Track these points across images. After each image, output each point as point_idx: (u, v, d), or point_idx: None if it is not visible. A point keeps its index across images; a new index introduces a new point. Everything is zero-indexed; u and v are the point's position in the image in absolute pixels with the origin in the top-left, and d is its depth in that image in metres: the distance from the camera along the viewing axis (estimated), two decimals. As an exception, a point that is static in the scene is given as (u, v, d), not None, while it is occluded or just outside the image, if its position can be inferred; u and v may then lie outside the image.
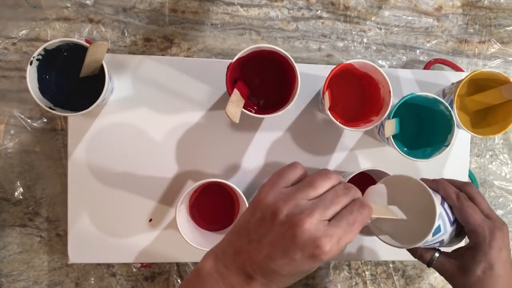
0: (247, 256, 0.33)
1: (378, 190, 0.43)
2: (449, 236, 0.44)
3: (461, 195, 0.44)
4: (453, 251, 0.46)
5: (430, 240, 0.42)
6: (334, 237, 0.31)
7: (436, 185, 0.45)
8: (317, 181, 0.34)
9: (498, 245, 0.42)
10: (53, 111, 0.48)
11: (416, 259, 0.48)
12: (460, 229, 0.45)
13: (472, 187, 0.46)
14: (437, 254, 0.45)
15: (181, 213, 0.51)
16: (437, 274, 0.66)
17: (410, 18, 0.64)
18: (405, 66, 0.64)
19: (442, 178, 0.48)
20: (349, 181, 0.57)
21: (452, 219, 0.43)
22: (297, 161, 0.37)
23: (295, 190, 0.34)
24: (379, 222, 0.44)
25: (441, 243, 0.44)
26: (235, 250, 0.34)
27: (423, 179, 0.46)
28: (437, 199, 0.42)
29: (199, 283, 0.34)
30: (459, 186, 0.46)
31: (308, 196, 0.33)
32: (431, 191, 0.41)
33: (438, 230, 0.42)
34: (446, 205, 0.43)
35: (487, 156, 0.67)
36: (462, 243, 0.48)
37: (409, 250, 0.47)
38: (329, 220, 0.32)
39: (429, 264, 0.46)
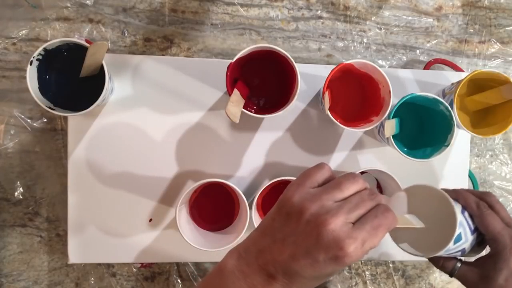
0: (270, 256, 0.33)
1: (399, 199, 0.43)
2: (470, 245, 0.44)
3: (481, 203, 0.44)
4: (475, 260, 0.46)
5: (451, 248, 0.42)
6: (359, 240, 0.31)
7: (456, 194, 0.45)
8: (345, 184, 0.34)
9: None
10: (53, 111, 0.48)
11: (438, 268, 0.48)
12: (481, 238, 0.45)
13: (491, 196, 0.46)
14: (459, 264, 0.45)
15: (181, 213, 0.51)
16: (437, 274, 0.66)
17: (410, 18, 0.64)
18: (405, 66, 0.64)
19: (462, 189, 0.48)
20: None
21: (472, 228, 0.43)
22: (324, 162, 0.37)
23: (322, 190, 0.34)
24: (399, 231, 0.44)
25: (463, 252, 0.44)
26: (259, 249, 0.34)
27: (445, 189, 0.47)
28: (457, 207, 0.42)
29: (221, 281, 0.34)
30: (478, 195, 0.46)
31: (335, 198, 0.33)
32: (451, 199, 0.42)
33: (459, 238, 0.42)
34: (466, 214, 0.44)
35: (487, 156, 0.67)
36: (483, 253, 0.48)
37: (430, 260, 0.47)
38: (354, 224, 0.32)
39: (451, 274, 0.46)
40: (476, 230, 0.44)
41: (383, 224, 0.33)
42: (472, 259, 0.46)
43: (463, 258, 0.47)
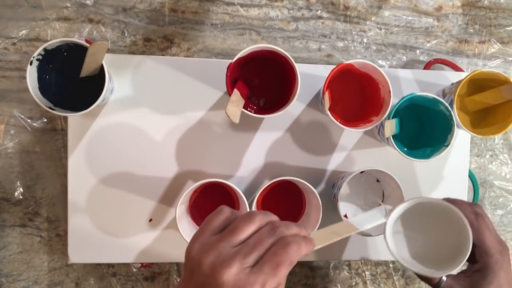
0: None
1: (378, 211, 0.43)
2: None
3: (479, 215, 0.44)
4: (461, 272, 0.46)
5: None
6: (257, 284, 0.30)
7: (454, 204, 0.45)
8: (239, 226, 0.33)
9: (507, 267, 0.43)
10: (53, 111, 0.48)
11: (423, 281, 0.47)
12: None
13: (481, 208, 0.46)
14: (444, 277, 0.45)
15: (181, 213, 0.51)
16: (437, 274, 0.66)
17: (410, 18, 0.64)
18: (405, 66, 0.64)
19: (455, 199, 0.47)
20: (349, 181, 0.57)
21: None
22: (223, 205, 0.36)
23: (219, 238, 0.33)
24: (403, 249, 0.43)
25: None
26: None
27: (444, 199, 0.46)
28: (466, 220, 0.42)
29: None
30: (471, 206, 0.46)
31: (232, 243, 0.32)
32: (463, 216, 0.41)
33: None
34: None
35: (487, 156, 0.67)
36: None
37: (416, 272, 0.46)
38: (254, 266, 0.31)
39: (437, 287, 0.45)
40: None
41: (284, 261, 0.31)
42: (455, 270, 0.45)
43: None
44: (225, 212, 0.35)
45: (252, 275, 0.30)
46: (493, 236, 0.44)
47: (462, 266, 0.44)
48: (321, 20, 0.62)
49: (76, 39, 0.47)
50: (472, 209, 0.45)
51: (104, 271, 0.60)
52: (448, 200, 0.46)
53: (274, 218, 0.35)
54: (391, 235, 0.41)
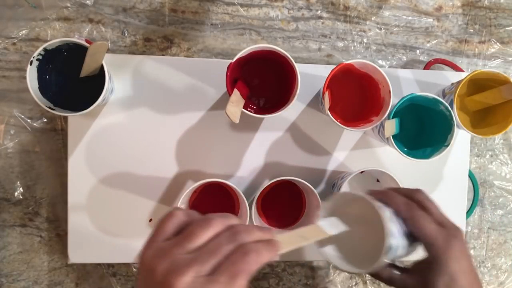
0: None
1: (328, 207, 0.41)
2: (403, 249, 0.40)
3: (411, 204, 0.40)
4: (412, 265, 0.42)
5: (388, 259, 0.38)
6: None
7: (384, 196, 0.42)
8: (195, 232, 0.31)
9: (455, 254, 0.39)
10: (53, 111, 0.48)
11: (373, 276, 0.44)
12: (413, 238, 0.41)
13: (421, 194, 0.42)
14: (396, 272, 0.42)
15: (181, 213, 0.51)
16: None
17: (410, 18, 0.64)
18: (405, 66, 0.64)
19: (390, 188, 0.44)
20: (349, 181, 0.57)
21: (403, 231, 0.40)
22: (177, 207, 0.33)
23: (172, 244, 0.31)
24: (331, 248, 0.41)
25: (397, 257, 0.40)
26: None
27: (372, 191, 0.43)
28: (386, 214, 0.39)
29: None
30: (407, 194, 0.42)
31: (187, 249, 0.30)
32: (381, 208, 0.38)
33: (390, 247, 0.38)
34: (396, 219, 0.40)
35: (487, 156, 0.67)
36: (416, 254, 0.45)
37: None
38: (210, 275, 0.29)
39: (388, 282, 0.42)
40: (409, 232, 0.40)
41: (243, 270, 0.29)
42: (408, 261, 0.42)
43: (399, 264, 0.43)
44: (178, 215, 0.33)
45: (207, 285, 0.29)
46: (431, 223, 0.39)
47: (406, 255, 0.42)
48: (321, 20, 0.62)
49: (76, 39, 0.47)
50: (404, 200, 0.41)
51: (104, 271, 0.60)
52: (379, 192, 0.43)
53: (235, 221, 0.33)
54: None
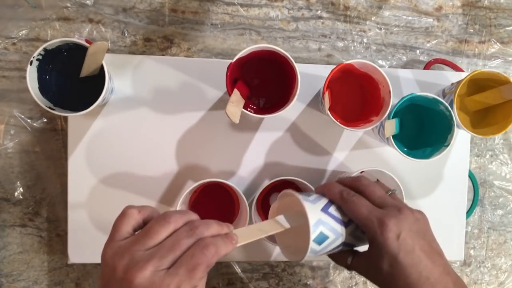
0: None
1: (277, 207, 0.44)
2: (351, 237, 0.41)
3: (344, 192, 0.40)
4: (365, 251, 0.42)
5: (320, 249, 0.39)
6: (172, 286, 0.30)
7: (322, 188, 0.43)
8: (154, 228, 0.32)
9: (393, 234, 0.37)
10: (53, 111, 0.48)
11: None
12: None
13: (361, 180, 0.42)
14: (350, 258, 0.42)
15: (181, 213, 0.51)
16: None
17: (410, 18, 0.64)
18: (405, 66, 0.64)
19: (332, 181, 0.44)
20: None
21: (345, 220, 0.40)
22: (130, 205, 0.35)
23: (131, 242, 0.32)
24: (282, 239, 0.44)
25: (347, 245, 0.41)
26: None
27: (317, 186, 0.44)
28: (317, 205, 0.40)
29: None
30: (348, 183, 0.42)
31: (146, 246, 0.31)
32: (303, 199, 0.39)
33: (323, 237, 0.39)
34: (333, 208, 0.41)
35: (487, 156, 0.67)
36: None
37: (329, 256, 0.44)
38: (169, 269, 0.31)
39: (348, 268, 0.42)
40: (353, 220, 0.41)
41: (201, 263, 0.31)
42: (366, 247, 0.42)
43: (359, 250, 0.43)
44: (132, 214, 0.34)
45: (167, 277, 0.30)
46: (364, 206, 0.39)
47: (361, 242, 0.42)
48: (321, 20, 0.62)
49: (76, 39, 0.47)
50: (339, 188, 0.41)
51: (104, 271, 0.60)
52: (321, 186, 0.43)
53: (193, 217, 0.34)
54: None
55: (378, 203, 0.40)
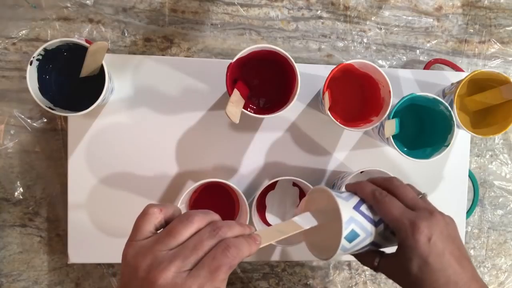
0: None
1: (300, 211, 0.43)
2: (380, 237, 0.41)
3: (377, 191, 0.40)
4: (394, 252, 0.41)
5: (350, 247, 0.39)
6: None
7: (354, 187, 0.42)
8: (177, 228, 0.32)
9: (424, 236, 0.37)
10: (53, 111, 0.48)
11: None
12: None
13: (392, 181, 0.42)
14: (378, 258, 0.42)
15: (181, 213, 0.51)
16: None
17: (410, 18, 0.64)
18: (405, 66, 0.64)
19: (364, 181, 0.44)
20: (349, 181, 0.57)
21: (375, 219, 0.40)
22: (151, 203, 0.34)
23: (154, 241, 0.32)
24: (309, 237, 0.43)
25: (375, 245, 0.41)
26: None
27: (347, 184, 0.44)
28: (350, 203, 0.40)
29: None
30: (379, 183, 0.42)
31: (169, 246, 0.31)
32: (336, 195, 0.39)
33: (354, 235, 0.39)
34: (364, 207, 0.41)
35: (487, 156, 0.67)
36: None
37: (355, 257, 0.44)
38: (192, 270, 0.30)
39: (375, 269, 0.42)
40: (383, 220, 0.41)
41: (223, 264, 0.30)
42: (394, 249, 0.42)
43: (386, 251, 0.43)
44: (154, 213, 0.33)
45: (189, 279, 0.30)
46: (397, 208, 0.39)
47: (389, 243, 0.42)
48: (321, 20, 0.62)
49: (76, 39, 0.47)
50: (372, 187, 0.41)
51: (104, 271, 0.60)
52: (352, 184, 0.43)
53: (216, 217, 0.34)
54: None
55: (410, 205, 0.40)
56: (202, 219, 0.33)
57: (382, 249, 0.43)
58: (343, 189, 0.53)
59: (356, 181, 0.44)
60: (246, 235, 0.34)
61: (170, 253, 0.31)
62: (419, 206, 0.40)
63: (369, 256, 0.42)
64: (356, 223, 0.39)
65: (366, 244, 0.40)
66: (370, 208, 0.41)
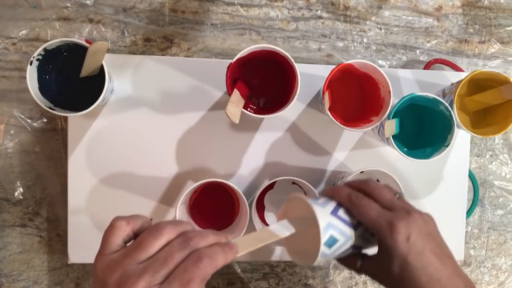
0: None
1: (282, 212, 0.42)
2: (360, 239, 0.40)
3: (353, 195, 0.40)
4: (376, 253, 0.41)
5: (330, 252, 0.39)
6: None
7: (331, 191, 0.42)
8: (146, 241, 0.31)
9: (403, 236, 0.37)
10: (53, 111, 0.48)
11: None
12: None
13: (369, 184, 0.42)
14: (359, 261, 0.41)
15: (181, 213, 0.51)
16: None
17: (410, 18, 0.64)
18: (405, 66, 0.64)
19: (340, 185, 0.44)
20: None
21: (354, 222, 0.40)
22: (119, 216, 0.33)
23: (123, 255, 0.31)
24: (290, 244, 0.42)
25: (356, 248, 0.41)
26: None
27: (324, 189, 0.43)
28: (326, 209, 0.40)
29: None
30: (356, 186, 0.42)
31: (138, 260, 0.30)
32: (312, 202, 0.39)
33: (333, 240, 0.38)
34: (342, 211, 0.40)
35: (487, 156, 0.67)
36: None
37: (338, 260, 0.44)
38: (163, 283, 0.29)
39: (358, 271, 0.42)
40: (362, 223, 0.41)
41: (195, 276, 0.29)
42: (375, 250, 0.41)
43: (368, 252, 0.43)
44: (120, 226, 0.32)
45: None
46: (373, 209, 0.39)
47: (370, 244, 0.42)
48: (321, 20, 0.62)
49: (76, 39, 0.47)
50: (348, 191, 0.41)
51: (104, 271, 0.60)
52: (329, 189, 0.43)
53: (188, 227, 0.33)
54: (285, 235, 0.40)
55: (387, 206, 0.40)
56: (172, 230, 0.32)
57: (364, 251, 0.42)
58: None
59: (332, 186, 0.44)
60: (222, 244, 0.33)
61: (139, 267, 0.30)
62: (396, 206, 0.39)
63: (350, 260, 0.42)
64: (334, 228, 0.39)
65: (347, 248, 0.40)
66: (348, 212, 0.40)
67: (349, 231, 0.40)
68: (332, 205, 0.41)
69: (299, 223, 0.40)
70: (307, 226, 0.39)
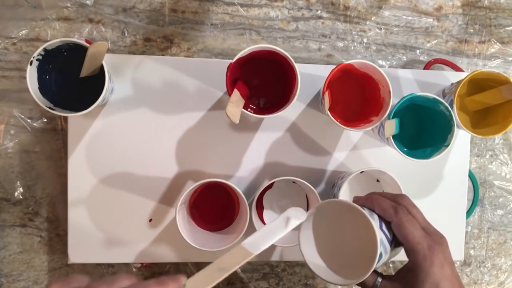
0: None
1: (306, 223, 0.39)
2: (387, 255, 0.40)
3: (399, 209, 0.40)
4: (396, 273, 0.42)
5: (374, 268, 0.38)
6: None
7: (370, 202, 0.42)
8: None
9: (439, 261, 0.38)
10: (53, 111, 0.48)
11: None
12: (396, 242, 0.41)
13: (406, 199, 0.42)
14: (379, 279, 0.41)
15: (181, 213, 0.51)
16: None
17: (410, 18, 0.64)
18: (405, 66, 0.64)
19: (374, 192, 0.44)
20: (349, 181, 0.57)
21: (390, 237, 0.39)
22: (55, 279, 0.33)
23: None
24: (316, 259, 0.39)
25: (380, 263, 0.40)
26: None
27: (356, 197, 0.42)
28: (375, 222, 0.38)
29: None
30: (392, 199, 0.42)
31: None
32: (368, 214, 0.37)
33: (379, 258, 0.37)
34: (384, 226, 0.39)
35: (487, 156, 0.67)
36: (400, 257, 0.45)
37: None
38: None
39: None
40: (394, 237, 0.40)
41: None
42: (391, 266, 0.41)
43: (381, 271, 0.42)
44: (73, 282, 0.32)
45: None
46: (418, 229, 0.39)
47: (388, 260, 0.41)
48: (321, 20, 0.62)
49: (76, 39, 0.47)
50: (391, 203, 0.41)
51: (104, 271, 0.60)
52: (365, 198, 0.42)
53: (125, 283, 0.32)
54: (306, 244, 0.38)
55: (424, 227, 0.40)
56: (127, 280, 0.32)
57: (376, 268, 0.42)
58: (343, 191, 0.53)
59: (366, 195, 0.42)
60: None
61: None
62: (431, 230, 0.41)
63: (368, 277, 0.41)
64: (382, 245, 0.38)
65: (379, 263, 0.39)
66: (387, 225, 0.40)
67: (388, 248, 0.39)
68: (376, 217, 0.39)
69: (327, 229, 0.38)
70: (347, 237, 0.37)
